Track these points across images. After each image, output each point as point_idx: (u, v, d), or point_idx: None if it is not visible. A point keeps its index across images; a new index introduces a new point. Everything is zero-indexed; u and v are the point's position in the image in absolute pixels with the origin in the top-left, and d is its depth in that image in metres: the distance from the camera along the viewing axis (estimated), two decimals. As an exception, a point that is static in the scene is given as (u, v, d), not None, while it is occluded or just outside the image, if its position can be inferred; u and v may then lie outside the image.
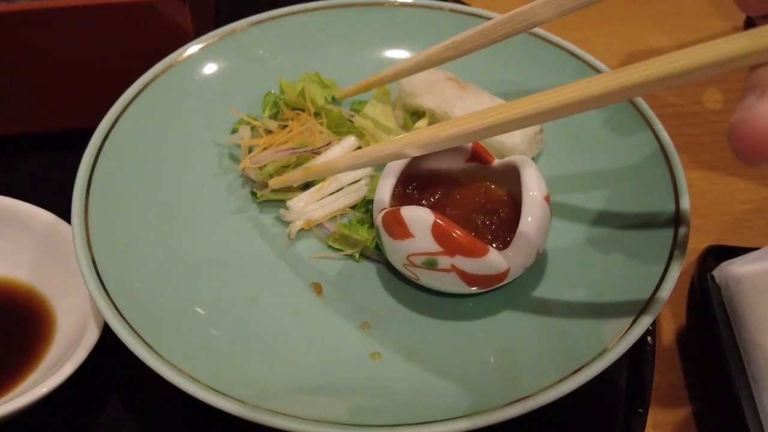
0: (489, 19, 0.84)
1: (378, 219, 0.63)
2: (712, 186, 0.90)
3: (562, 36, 0.84)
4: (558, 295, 0.65)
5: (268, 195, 0.72)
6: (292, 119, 0.76)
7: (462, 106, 0.75)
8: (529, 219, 0.60)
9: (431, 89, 0.77)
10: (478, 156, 0.67)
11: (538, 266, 0.67)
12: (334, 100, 0.80)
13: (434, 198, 0.67)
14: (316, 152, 0.72)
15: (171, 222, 0.70)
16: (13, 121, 0.85)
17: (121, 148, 0.71)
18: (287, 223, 0.71)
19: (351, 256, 0.69)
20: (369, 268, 0.69)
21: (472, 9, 0.87)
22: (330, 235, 0.71)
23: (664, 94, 1.01)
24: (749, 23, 1.12)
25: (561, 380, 0.56)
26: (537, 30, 0.84)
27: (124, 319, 0.58)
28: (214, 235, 0.70)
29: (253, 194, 0.73)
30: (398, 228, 0.61)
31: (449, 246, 0.59)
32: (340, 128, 0.77)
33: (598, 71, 0.80)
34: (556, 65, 0.82)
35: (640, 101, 0.76)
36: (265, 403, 0.54)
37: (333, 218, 0.72)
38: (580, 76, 0.78)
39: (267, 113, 0.78)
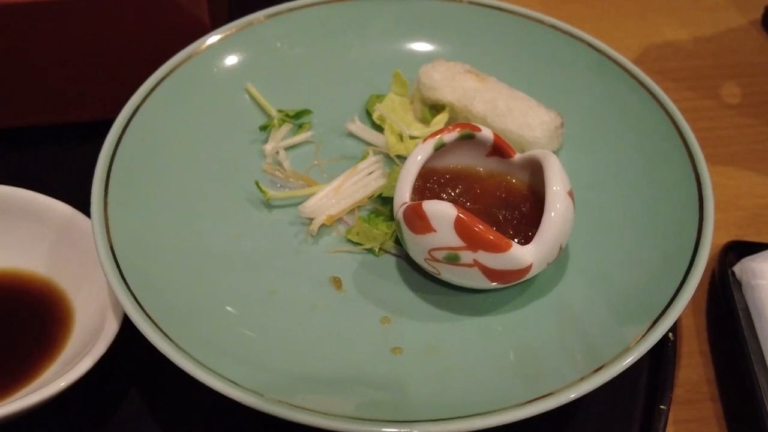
0: (507, 11, 0.84)
1: (399, 213, 0.63)
2: (730, 180, 0.90)
3: (578, 27, 0.83)
4: (579, 292, 0.65)
5: (282, 195, 0.72)
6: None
7: (481, 99, 0.74)
8: (553, 214, 0.60)
9: (450, 82, 0.76)
10: (499, 150, 0.66)
11: (559, 262, 0.66)
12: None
13: (455, 192, 0.66)
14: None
15: (190, 214, 0.69)
16: (31, 112, 0.85)
17: (141, 140, 0.71)
18: (306, 218, 0.71)
19: (371, 251, 0.69)
20: (389, 263, 0.68)
21: (490, 2, 0.86)
22: (349, 229, 0.70)
23: (680, 88, 1.01)
24: (767, 17, 1.11)
25: (582, 378, 0.55)
26: (555, 21, 0.83)
27: (144, 311, 0.58)
28: (234, 228, 0.70)
29: (263, 193, 0.72)
30: (420, 222, 0.60)
31: (472, 241, 0.58)
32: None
33: (616, 63, 0.79)
34: (574, 57, 0.81)
35: (661, 94, 0.75)
36: (284, 397, 0.54)
37: (352, 212, 0.72)
38: (598, 67, 0.79)
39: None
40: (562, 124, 0.74)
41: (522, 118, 0.73)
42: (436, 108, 0.78)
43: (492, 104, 0.74)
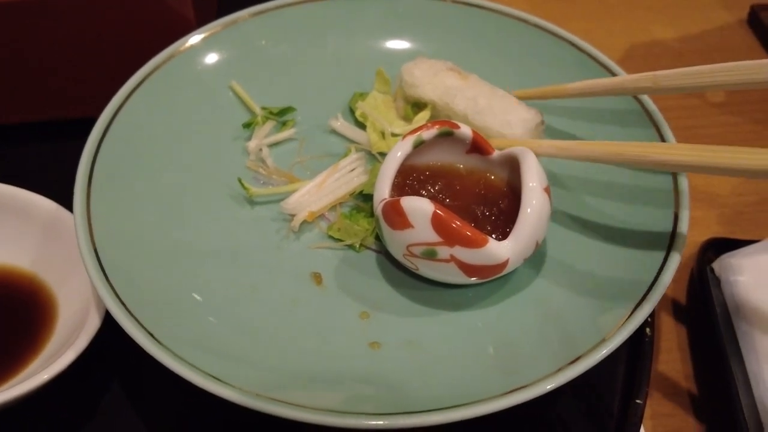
0: (490, 10, 0.85)
1: (378, 209, 0.63)
2: (713, 178, 0.90)
3: (565, 26, 0.83)
4: (557, 286, 0.65)
5: (264, 191, 0.73)
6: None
7: (462, 97, 0.75)
8: (529, 210, 0.60)
9: (431, 80, 0.77)
10: (478, 147, 0.67)
11: (537, 257, 0.67)
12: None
13: (434, 189, 0.67)
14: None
15: (172, 211, 0.70)
16: (15, 110, 0.86)
17: (123, 138, 0.72)
18: (288, 214, 0.71)
19: (351, 247, 0.70)
20: (369, 259, 0.69)
21: (475, 1, 0.86)
22: (331, 225, 0.71)
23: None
24: (753, 16, 1.12)
25: (559, 370, 0.56)
26: (538, 20, 0.84)
27: (125, 306, 0.58)
28: (216, 224, 0.70)
29: (246, 190, 0.73)
30: (398, 218, 0.61)
31: (449, 236, 0.59)
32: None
33: (599, 63, 0.80)
34: (556, 56, 0.82)
35: (643, 95, 0.76)
36: (264, 391, 0.55)
37: (333, 208, 0.72)
38: (581, 67, 0.80)
39: None
40: (542, 122, 0.75)
41: (502, 115, 0.74)
42: (418, 105, 0.78)
43: (473, 102, 0.74)
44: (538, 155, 0.65)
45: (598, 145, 0.65)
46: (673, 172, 0.68)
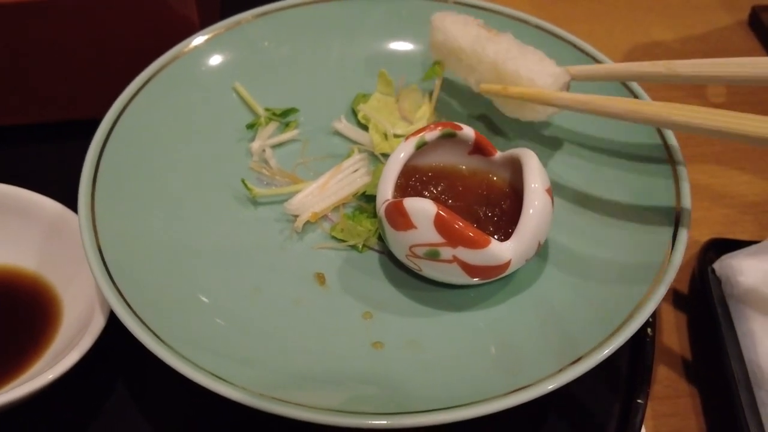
0: (492, 11, 0.85)
1: (381, 210, 0.64)
2: (714, 179, 0.90)
3: (566, 27, 0.84)
4: (559, 286, 0.66)
5: (268, 192, 0.74)
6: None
7: (493, 45, 0.73)
8: (531, 211, 0.61)
9: (463, 29, 0.75)
10: (480, 148, 0.67)
11: (539, 258, 0.67)
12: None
13: (437, 190, 0.67)
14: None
15: (176, 211, 0.70)
16: (20, 111, 0.86)
17: (128, 139, 0.72)
18: (291, 215, 0.72)
19: (354, 247, 0.70)
20: (372, 259, 0.69)
21: (476, 2, 0.87)
22: (334, 225, 0.71)
23: (667, 87, 1.02)
24: (754, 17, 1.12)
25: (561, 370, 0.56)
26: (540, 22, 0.84)
27: (129, 307, 0.59)
28: (219, 224, 0.71)
29: (250, 190, 0.73)
30: (401, 219, 0.61)
31: (451, 237, 0.59)
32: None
33: (600, 63, 0.80)
34: (558, 57, 0.81)
35: (643, 95, 0.76)
36: (268, 391, 0.55)
37: (336, 209, 0.73)
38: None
39: None
40: (568, 83, 0.73)
41: (534, 65, 0.72)
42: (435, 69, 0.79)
43: (504, 50, 0.73)
44: (556, 106, 0.68)
45: (616, 101, 0.66)
46: (688, 133, 0.68)
